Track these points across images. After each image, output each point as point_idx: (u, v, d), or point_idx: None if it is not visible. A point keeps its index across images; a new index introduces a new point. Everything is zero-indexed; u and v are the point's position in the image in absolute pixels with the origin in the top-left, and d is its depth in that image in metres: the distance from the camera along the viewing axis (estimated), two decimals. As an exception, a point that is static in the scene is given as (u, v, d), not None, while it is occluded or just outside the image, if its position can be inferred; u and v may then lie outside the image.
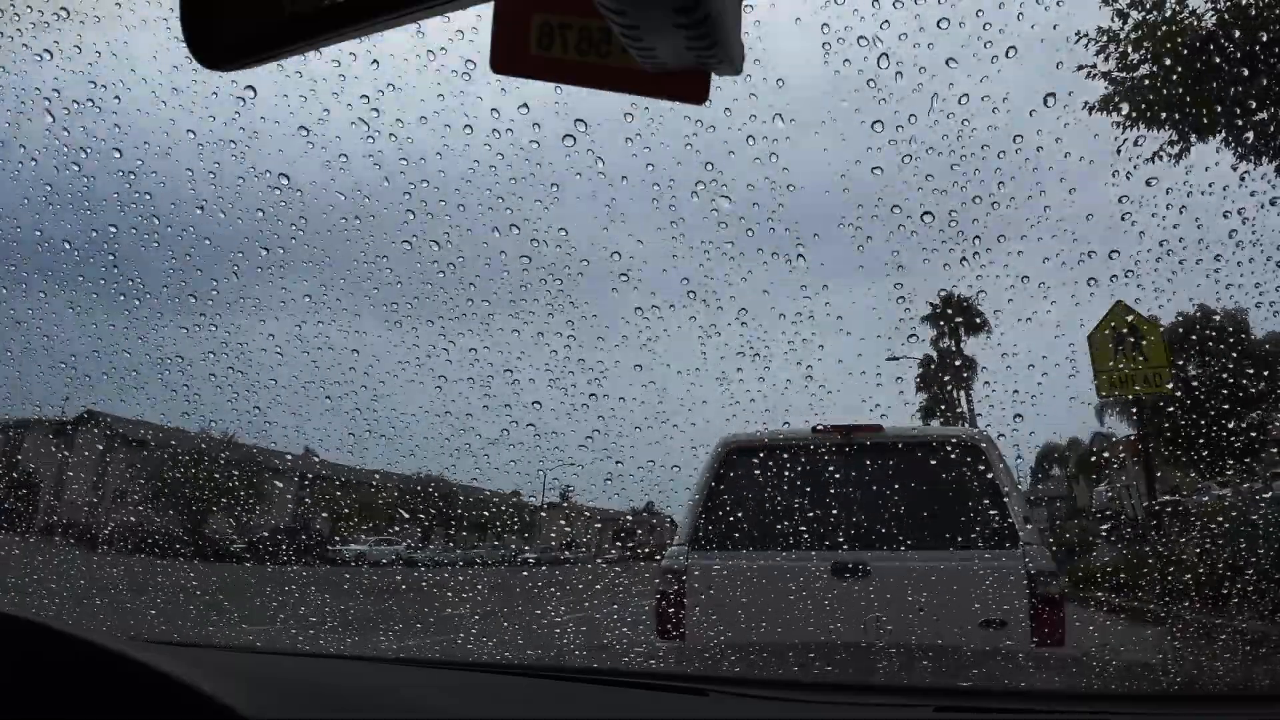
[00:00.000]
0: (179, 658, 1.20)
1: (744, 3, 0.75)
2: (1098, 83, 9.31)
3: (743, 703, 1.67)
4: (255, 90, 4.69)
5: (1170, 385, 9.65)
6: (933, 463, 4.67)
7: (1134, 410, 15.51)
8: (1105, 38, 9.19)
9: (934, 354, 39.96)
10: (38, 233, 6.57)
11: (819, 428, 4.81)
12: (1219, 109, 8.74)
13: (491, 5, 0.84)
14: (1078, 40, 9.22)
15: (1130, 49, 9.11)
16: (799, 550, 4.49)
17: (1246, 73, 8.46)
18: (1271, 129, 8.88)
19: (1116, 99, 9.23)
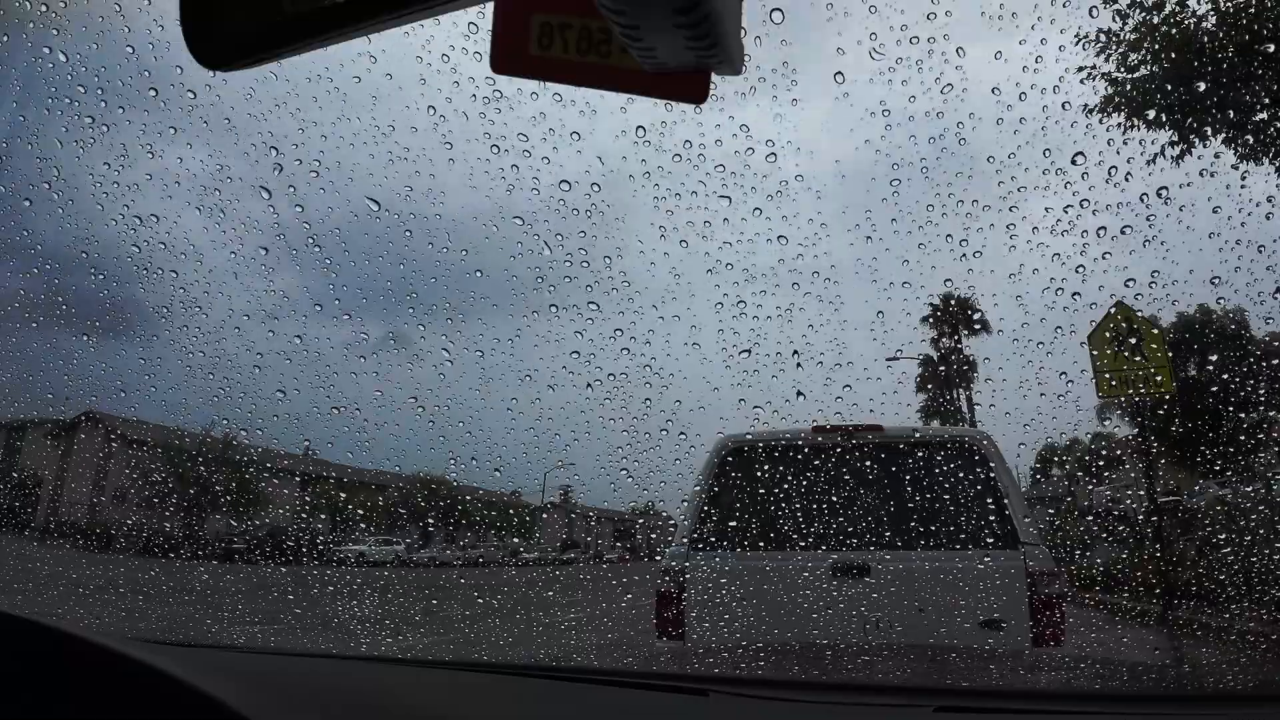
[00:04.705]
0: (179, 658, 1.20)
1: (744, 3, 0.75)
2: (1098, 83, 9.32)
3: (743, 703, 1.67)
4: (254, 90, 4.69)
5: (1170, 385, 9.63)
6: (933, 463, 4.67)
7: (1134, 410, 15.51)
8: (1105, 38, 9.21)
9: (934, 354, 39.99)
10: (37, 232, 6.58)
11: (819, 427, 4.81)
12: (1220, 110, 8.75)
13: (491, 5, 0.84)
14: (1078, 42, 9.23)
15: (1130, 50, 9.12)
16: (799, 550, 4.49)
17: (1247, 74, 8.46)
18: (1271, 130, 8.88)
19: (1117, 100, 9.24)
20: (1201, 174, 8.97)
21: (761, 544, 4.63)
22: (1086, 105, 9.37)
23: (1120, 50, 9.18)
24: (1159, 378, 9.25)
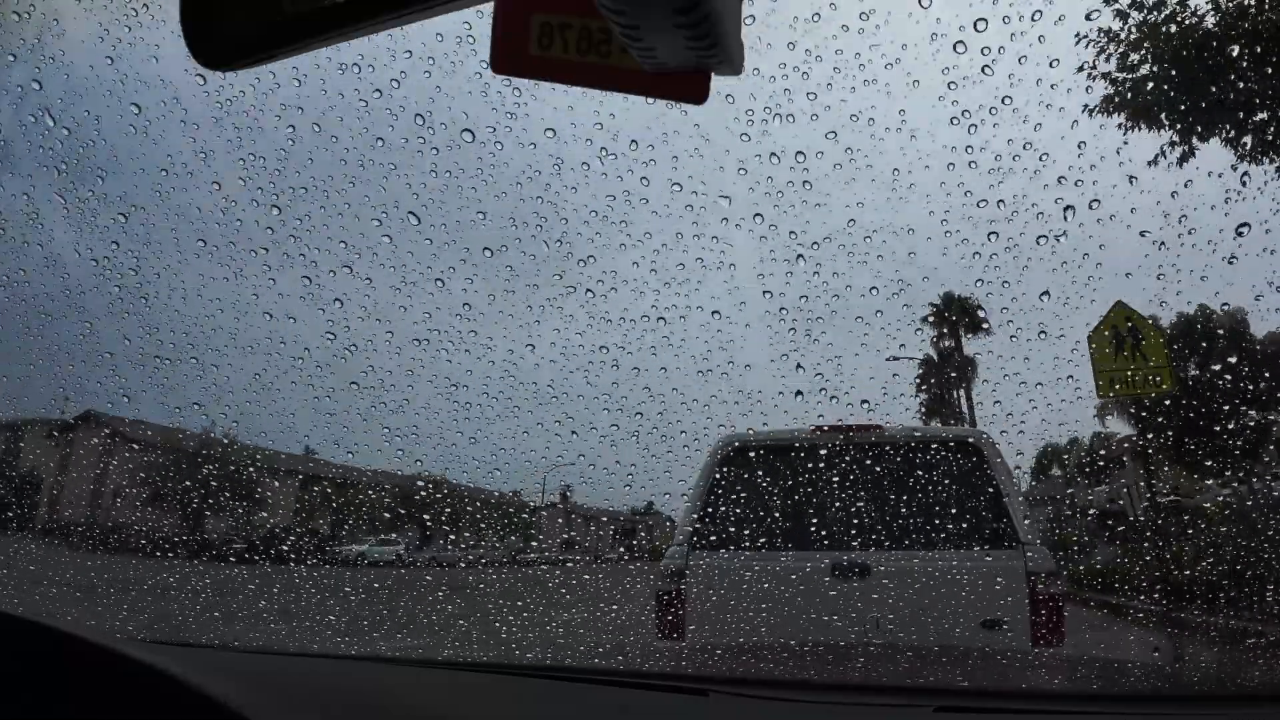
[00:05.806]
0: (179, 658, 1.20)
1: (744, 3, 0.75)
2: (1098, 84, 9.33)
3: (743, 703, 1.67)
4: (254, 89, 4.70)
5: (1171, 385, 9.63)
6: (933, 463, 4.67)
7: (1134, 410, 15.51)
8: (1105, 38, 9.21)
9: (934, 354, 39.96)
10: (37, 230, 6.58)
11: (819, 427, 4.81)
12: (1221, 110, 8.75)
13: (491, 5, 0.84)
14: (1077, 41, 9.23)
15: (1130, 50, 9.12)
16: (799, 550, 4.49)
17: (1247, 73, 8.46)
18: (1271, 130, 8.89)
19: (1117, 100, 9.24)
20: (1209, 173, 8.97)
21: (761, 544, 4.63)
22: (1086, 105, 9.38)
23: (1120, 50, 9.19)
24: (1159, 378, 9.25)
